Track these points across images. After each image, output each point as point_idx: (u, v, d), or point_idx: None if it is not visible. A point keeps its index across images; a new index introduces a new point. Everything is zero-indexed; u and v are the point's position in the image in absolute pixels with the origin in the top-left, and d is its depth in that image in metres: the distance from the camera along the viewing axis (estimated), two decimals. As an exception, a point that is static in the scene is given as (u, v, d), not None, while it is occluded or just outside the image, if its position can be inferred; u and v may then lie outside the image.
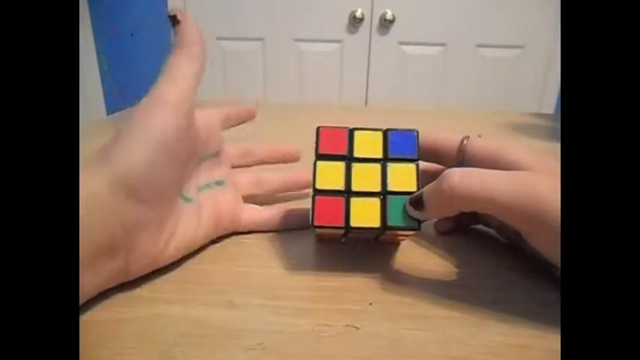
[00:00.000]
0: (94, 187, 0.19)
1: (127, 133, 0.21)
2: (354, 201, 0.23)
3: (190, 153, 0.24)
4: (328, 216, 0.22)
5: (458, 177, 0.21)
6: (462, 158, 0.25)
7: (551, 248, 0.20)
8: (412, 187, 0.23)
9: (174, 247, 0.23)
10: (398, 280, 0.23)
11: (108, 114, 1.68)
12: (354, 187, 0.23)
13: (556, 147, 0.49)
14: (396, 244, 0.26)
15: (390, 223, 0.22)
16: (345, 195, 0.23)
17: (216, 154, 0.27)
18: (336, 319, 0.20)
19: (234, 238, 0.27)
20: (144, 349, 0.18)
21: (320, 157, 0.24)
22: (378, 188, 0.23)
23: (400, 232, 0.23)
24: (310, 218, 0.23)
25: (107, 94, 1.70)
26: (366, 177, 0.23)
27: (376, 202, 0.23)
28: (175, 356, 0.18)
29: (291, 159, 0.33)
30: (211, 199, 0.26)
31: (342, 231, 0.23)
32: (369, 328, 0.20)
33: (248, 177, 0.30)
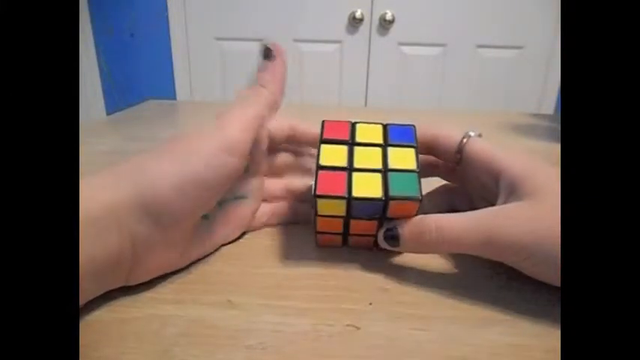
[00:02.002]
0: (116, 199, 0.19)
1: (169, 154, 0.21)
2: (357, 175, 0.23)
3: (228, 184, 0.23)
4: (330, 186, 0.22)
5: (434, 227, 0.21)
6: (459, 158, 0.25)
7: (534, 273, 0.21)
8: (412, 165, 0.23)
9: (179, 262, 0.23)
10: (398, 280, 0.23)
11: (108, 114, 1.68)
12: (356, 165, 0.23)
13: (556, 147, 0.49)
14: (397, 251, 0.25)
15: (392, 193, 0.22)
16: (348, 170, 0.23)
17: (247, 169, 0.26)
18: (336, 319, 0.20)
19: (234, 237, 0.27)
20: (144, 349, 0.18)
21: (324, 141, 0.25)
22: (379, 166, 0.23)
23: (401, 210, 0.23)
24: (313, 191, 0.22)
25: (107, 94, 1.70)
26: (367, 157, 0.24)
27: (378, 176, 0.23)
28: (175, 356, 0.18)
29: None
30: (229, 213, 0.25)
31: (344, 206, 0.22)
32: (369, 328, 0.20)
33: (280, 185, 0.28)
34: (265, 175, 0.28)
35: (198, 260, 0.24)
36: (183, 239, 0.22)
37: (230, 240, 0.26)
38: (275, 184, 0.28)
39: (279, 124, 0.27)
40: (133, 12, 1.57)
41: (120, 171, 0.20)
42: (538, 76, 1.57)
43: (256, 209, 0.27)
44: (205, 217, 0.24)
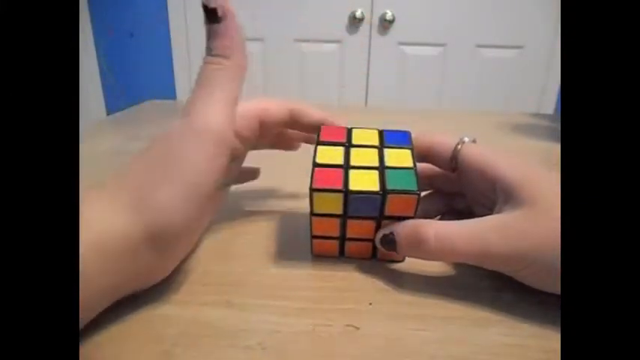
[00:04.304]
0: (131, 234, 0.18)
1: (162, 174, 0.19)
2: (353, 171, 0.23)
3: (221, 179, 0.22)
4: (327, 181, 0.22)
5: (433, 237, 0.21)
6: (454, 165, 0.25)
7: (533, 282, 0.21)
8: (409, 163, 0.23)
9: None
10: (398, 280, 0.23)
11: (108, 114, 1.68)
12: (353, 164, 0.23)
13: (556, 147, 0.49)
14: (395, 261, 0.25)
15: (389, 186, 0.22)
16: (344, 168, 0.23)
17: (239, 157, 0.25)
18: (336, 319, 0.20)
19: (234, 238, 0.27)
20: (144, 349, 0.18)
21: (320, 143, 0.25)
22: (376, 164, 0.23)
23: (399, 206, 0.22)
24: (309, 186, 0.22)
25: (107, 94, 1.70)
26: (364, 157, 0.24)
27: (374, 173, 0.23)
28: (175, 356, 0.18)
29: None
30: (213, 200, 0.24)
31: (340, 202, 0.22)
32: (369, 328, 0.20)
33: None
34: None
35: (198, 260, 0.24)
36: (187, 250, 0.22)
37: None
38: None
39: (277, 108, 0.26)
40: (133, 12, 1.57)
41: (123, 200, 0.19)
42: (538, 76, 1.57)
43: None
44: None
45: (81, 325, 0.18)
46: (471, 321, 0.20)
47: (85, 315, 0.18)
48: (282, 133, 0.29)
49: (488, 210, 0.23)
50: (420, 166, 0.25)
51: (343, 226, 0.24)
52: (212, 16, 0.19)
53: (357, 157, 0.24)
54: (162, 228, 0.19)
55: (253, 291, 0.22)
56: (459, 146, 0.25)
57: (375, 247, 0.24)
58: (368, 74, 1.60)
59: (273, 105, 0.26)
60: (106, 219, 0.18)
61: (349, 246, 0.25)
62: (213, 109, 0.21)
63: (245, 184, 0.30)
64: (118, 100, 1.68)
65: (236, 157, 0.25)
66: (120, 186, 0.19)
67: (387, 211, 0.22)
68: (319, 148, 0.25)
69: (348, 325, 0.20)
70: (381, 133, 0.26)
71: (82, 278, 0.16)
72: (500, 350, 0.18)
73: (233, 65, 0.21)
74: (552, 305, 0.20)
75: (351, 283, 0.23)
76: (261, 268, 0.24)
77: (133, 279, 0.20)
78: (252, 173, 0.30)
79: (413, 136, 0.26)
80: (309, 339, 0.19)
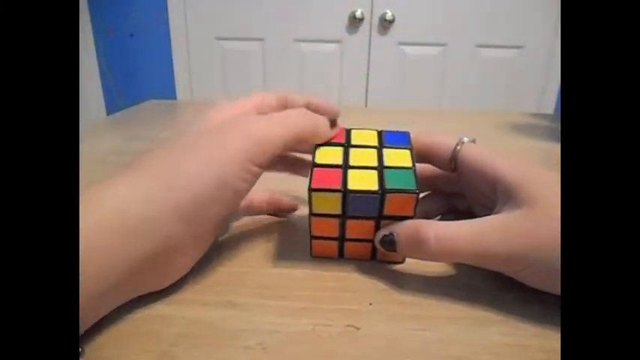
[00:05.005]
0: (151, 205, 0.19)
1: (198, 151, 0.21)
2: (352, 171, 0.23)
3: (251, 188, 0.22)
4: (325, 181, 0.22)
5: (433, 238, 0.21)
6: (454, 166, 0.25)
7: (533, 283, 0.21)
8: (408, 163, 0.23)
9: (197, 258, 0.23)
10: (398, 280, 0.23)
11: (108, 114, 1.68)
12: (352, 164, 0.24)
13: (556, 147, 0.49)
14: (395, 262, 0.25)
15: (388, 186, 0.22)
16: (343, 168, 0.23)
17: None
18: (336, 319, 0.20)
19: (234, 238, 0.27)
20: (144, 350, 0.18)
21: (319, 145, 0.25)
22: (375, 164, 0.23)
23: (398, 206, 0.22)
24: (308, 186, 0.22)
25: (107, 94, 1.70)
26: (363, 157, 0.24)
27: (373, 172, 0.23)
28: (175, 356, 0.18)
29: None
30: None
31: (339, 201, 0.22)
32: (369, 328, 0.20)
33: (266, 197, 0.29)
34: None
35: (198, 260, 0.24)
36: (210, 239, 0.22)
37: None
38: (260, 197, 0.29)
39: (270, 96, 0.27)
40: (133, 12, 1.57)
41: (151, 170, 0.20)
42: (538, 76, 1.57)
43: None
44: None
45: (106, 309, 0.19)
46: (471, 321, 0.20)
47: (119, 294, 0.19)
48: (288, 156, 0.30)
49: (489, 210, 0.23)
50: (420, 166, 0.25)
51: (342, 227, 0.23)
52: None
53: (356, 157, 0.24)
54: (186, 196, 0.19)
55: (253, 291, 0.22)
56: (459, 146, 0.25)
57: (374, 248, 0.24)
58: (368, 74, 1.60)
59: (266, 95, 0.27)
60: (127, 203, 0.19)
61: (348, 247, 0.24)
62: (267, 130, 0.22)
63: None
64: (118, 100, 1.68)
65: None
66: (145, 163, 0.20)
67: (386, 211, 0.22)
68: (318, 148, 0.25)
69: (348, 325, 0.20)
70: (380, 133, 0.26)
71: (108, 254, 0.17)
72: (500, 350, 0.18)
73: (312, 114, 0.24)
74: (552, 305, 0.20)
75: (351, 283, 0.23)
76: (261, 268, 0.24)
77: (162, 256, 0.19)
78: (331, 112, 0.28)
79: (412, 136, 0.26)
80: (309, 339, 0.19)
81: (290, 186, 0.31)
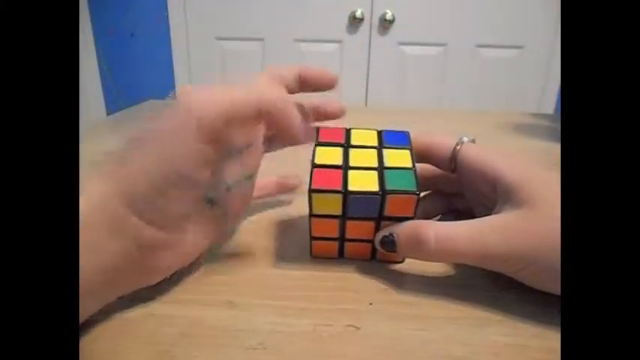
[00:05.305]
0: (106, 204, 0.18)
1: (141, 145, 0.19)
2: (352, 172, 0.23)
3: (217, 162, 0.21)
4: (326, 182, 0.22)
5: (433, 239, 0.21)
6: (454, 166, 0.25)
7: (533, 283, 0.21)
8: (408, 164, 0.23)
9: (195, 251, 0.22)
10: (398, 280, 0.23)
11: (108, 114, 1.68)
12: (352, 164, 0.23)
13: (556, 147, 0.49)
14: (395, 262, 0.25)
15: (388, 187, 0.22)
16: (343, 168, 0.23)
17: (253, 142, 0.24)
18: (336, 319, 0.20)
19: (234, 238, 0.27)
20: (144, 350, 0.18)
21: (319, 144, 0.25)
22: (375, 165, 0.23)
23: (399, 207, 0.22)
24: (308, 187, 0.22)
25: (107, 94, 1.70)
26: (363, 157, 0.24)
27: (374, 173, 0.23)
28: (175, 356, 0.18)
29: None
30: (239, 197, 0.24)
31: (340, 202, 0.22)
32: (369, 328, 0.20)
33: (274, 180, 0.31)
34: None
35: (198, 261, 0.24)
36: (192, 231, 0.22)
37: (241, 221, 0.26)
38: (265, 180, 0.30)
39: (288, 72, 0.26)
40: (133, 12, 1.57)
41: (104, 170, 0.19)
42: (538, 76, 1.57)
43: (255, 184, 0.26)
44: (212, 201, 0.22)
45: (90, 309, 0.18)
46: (471, 321, 0.20)
47: (89, 305, 0.18)
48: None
49: (488, 210, 0.23)
50: (420, 166, 0.25)
51: (342, 227, 0.24)
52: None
53: (356, 157, 0.24)
54: (133, 190, 0.18)
55: (253, 291, 0.22)
56: (459, 146, 0.25)
57: (374, 248, 0.24)
58: (368, 74, 1.60)
59: (283, 70, 0.26)
60: (85, 205, 0.18)
61: (348, 247, 0.24)
62: (211, 102, 0.20)
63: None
64: (118, 100, 1.68)
65: (234, 153, 0.23)
66: (102, 165, 0.20)
67: (387, 212, 0.22)
68: (318, 149, 0.24)
69: (348, 325, 0.20)
70: (380, 133, 0.26)
71: (94, 245, 0.17)
72: (500, 350, 0.18)
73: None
74: (552, 305, 0.20)
75: (352, 283, 0.23)
76: (261, 268, 0.24)
77: (135, 255, 0.19)
78: (329, 80, 0.27)
79: (412, 136, 0.26)
80: (309, 339, 0.19)
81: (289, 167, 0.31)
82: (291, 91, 0.27)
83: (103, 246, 0.18)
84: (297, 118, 0.21)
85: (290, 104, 0.21)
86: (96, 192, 0.18)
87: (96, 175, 0.19)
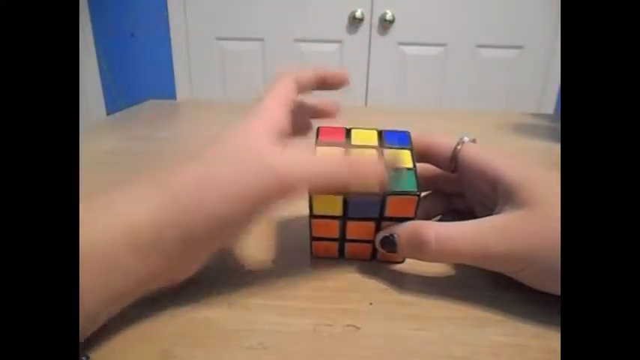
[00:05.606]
0: (160, 224, 0.18)
1: (209, 183, 0.19)
2: None
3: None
4: None
5: (433, 239, 0.21)
6: (454, 166, 0.25)
7: (533, 283, 0.21)
8: (409, 164, 0.23)
9: (203, 264, 0.22)
10: (398, 280, 0.23)
11: (108, 114, 1.68)
12: None
13: (556, 147, 0.49)
14: (395, 262, 0.25)
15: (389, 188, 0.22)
16: None
17: None
18: (336, 319, 0.20)
19: (234, 238, 0.27)
20: (144, 349, 0.18)
21: (319, 144, 0.25)
22: None
23: (399, 208, 0.22)
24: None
25: (107, 94, 1.70)
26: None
27: None
28: (175, 356, 0.18)
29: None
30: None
31: (340, 203, 0.22)
32: (369, 328, 0.20)
33: None
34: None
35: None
36: (200, 263, 0.21)
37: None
38: None
39: (305, 75, 0.26)
40: (133, 12, 1.57)
41: (150, 182, 0.19)
42: (538, 76, 1.57)
43: None
44: None
45: (106, 317, 0.18)
46: (471, 321, 0.20)
47: (123, 301, 0.19)
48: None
49: (489, 210, 0.23)
50: (420, 166, 0.25)
51: (343, 228, 0.24)
52: None
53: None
54: (192, 226, 0.18)
55: (253, 291, 0.22)
56: (459, 146, 0.25)
57: (374, 249, 0.24)
58: (368, 74, 1.60)
59: (300, 74, 0.26)
60: (134, 202, 0.18)
61: (349, 247, 0.24)
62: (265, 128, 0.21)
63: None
64: (118, 100, 1.68)
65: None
66: (159, 178, 0.19)
67: (387, 213, 0.22)
68: (318, 149, 0.24)
69: (348, 325, 0.20)
70: (380, 133, 0.26)
71: (117, 266, 0.17)
72: (500, 350, 0.18)
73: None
74: (552, 305, 0.20)
75: (352, 283, 0.23)
76: (261, 269, 0.24)
77: (165, 271, 0.19)
78: (341, 79, 0.28)
79: (413, 136, 0.26)
80: (309, 339, 0.19)
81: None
82: (305, 93, 0.27)
83: (137, 265, 0.18)
84: (382, 174, 0.21)
85: (380, 167, 0.21)
86: (155, 209, 0.18)
87: (155, 189, 0.19)
